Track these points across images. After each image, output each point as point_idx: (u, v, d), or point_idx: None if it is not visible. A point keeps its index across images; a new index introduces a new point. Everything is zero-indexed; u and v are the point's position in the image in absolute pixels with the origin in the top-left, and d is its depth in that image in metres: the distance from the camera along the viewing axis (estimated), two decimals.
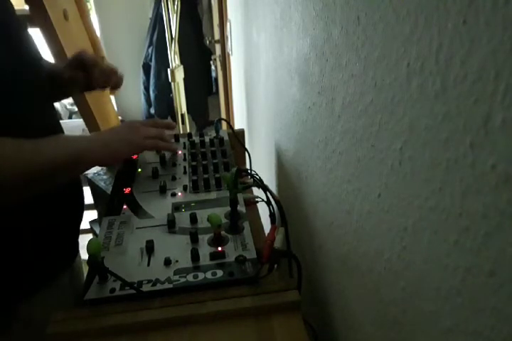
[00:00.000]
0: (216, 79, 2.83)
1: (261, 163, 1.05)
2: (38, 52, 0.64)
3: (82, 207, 0.71)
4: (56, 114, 0.69)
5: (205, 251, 0.50)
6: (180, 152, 0.75)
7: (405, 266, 0.29)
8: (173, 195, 0.63)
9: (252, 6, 0.98)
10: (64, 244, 0.66)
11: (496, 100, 0.18)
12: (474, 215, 0.21)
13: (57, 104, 2.93)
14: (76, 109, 2.87)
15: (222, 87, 2.29)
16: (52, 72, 0.70)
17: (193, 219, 0.56)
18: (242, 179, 0.67)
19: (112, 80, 0.75)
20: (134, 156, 0.75)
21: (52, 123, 0.65)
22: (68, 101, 2.95)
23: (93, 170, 1.89)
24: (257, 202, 0.64)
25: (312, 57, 0.47)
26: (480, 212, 0.20)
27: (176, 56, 2.12)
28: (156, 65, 2.77)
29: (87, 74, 0.71)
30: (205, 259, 0.48)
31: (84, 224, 1.92)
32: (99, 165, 0.63)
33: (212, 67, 2.89)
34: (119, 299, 0.44)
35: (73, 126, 1.92)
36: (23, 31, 0.59)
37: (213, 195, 0.63)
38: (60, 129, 0.66)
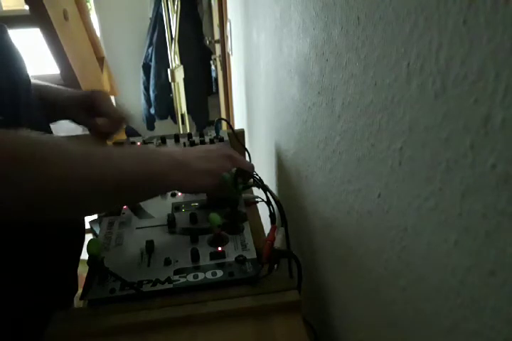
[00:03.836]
0: (216, 79, 2.83)
1: (261, 163, 1.05)
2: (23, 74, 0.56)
3: (81, 245, 0.65)
4: None
5: (205, 251, 0.50)
6: None
7: (405, 266, 0.29)
8: (173, 195, 0.63)
9: (252, 6, 0.98)
10: (61, 286, 0.60)
11: (496, 100, 0.18)
12: (474, 215, 0.21)
13: None
14: None
15: (222, 87, 2.29)
16: (50, 98, 0.64)
17: (193, 219, 0.56)
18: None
19: (118, 130, 0.69)
20: None
21: None
22: None
23: None
24: (257, 202, 0.64)
25: (312, 57, 0.47)
26: (480, 212, 0.20)
27: (176, 56, 2.12)
28: (156, 65, 2.77)
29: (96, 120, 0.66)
30: (205, 259, 0.48)
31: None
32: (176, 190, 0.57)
33: (212, 67, 2.89)
34: (119, 299, 0.44)
35: (73, 126, 1.92)
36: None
37: None
38: None
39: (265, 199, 0.59)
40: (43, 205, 0.39)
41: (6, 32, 0.54)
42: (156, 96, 2.86)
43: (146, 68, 2.86)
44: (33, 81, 0.62)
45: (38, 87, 0.65)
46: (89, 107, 0.66)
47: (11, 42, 0.55)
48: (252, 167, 0.61)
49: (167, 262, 0.48)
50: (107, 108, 0.66)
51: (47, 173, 0.38)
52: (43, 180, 0.37)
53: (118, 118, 0.68)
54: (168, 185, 0.50)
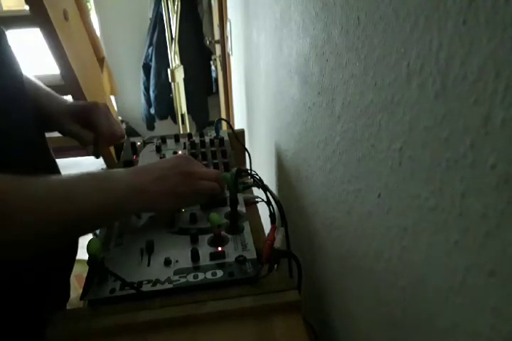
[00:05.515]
0: (216, 79, 2.83)
1: (261, 163, 1.05)
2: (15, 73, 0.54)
3: (74, 253, 0.65)
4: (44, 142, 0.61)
5: (205, 251, 0.50)
6: (180, 152, 0.75)
7: (405, 266, 0.29)
8: None
9: (252, 6, 0.98)
10: (54, 291, 0.60)
11: (496, 100, 0.18)
12: (474, 215, 0.21)
13: None
14: None
15: (222, 87, 2.29)
16: (44, 109, 0.61)
17: (193, 219, 0.56)
18: (242, 179, 0.67)
19: (108, 146, 0.68)
20: (134, 157, 0.75)
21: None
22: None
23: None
24: (257, 202, 0.64)
25: (312, 57, 0.47)
26: (480, 212, 0.20)
27: (176, 56, 2.12)
28: (156, 65, 2.77)
29: (92, 134, 0.63)
30: (205, 259, 0.48)
31: None
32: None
33: (212, 67, 2.89)
34: (119, 299, 0.44)
35: None
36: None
37: None
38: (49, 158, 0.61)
39: (265, 199, 0.58)
40: None
41: (3, 35, 0.52)
42: (156, 96, 2.85)
43: (146, 68, 2.86)
44: (32, 86, 0.60)
45: (38, 97, 0.62)
46: (84, 119, 0.63)
47: (7, 46, 0.53)
48: (217, 179, 0.56)
49: (167, 262, 0.48)
50: (101, 123, 0.63)
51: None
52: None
53: (110, 135, 0.65)
54: (126, 212, 0.51)
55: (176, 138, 0.79)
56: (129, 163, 0.72)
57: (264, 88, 0.89)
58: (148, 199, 0.49)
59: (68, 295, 0.65)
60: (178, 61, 2.16)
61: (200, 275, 0.46)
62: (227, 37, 1.83)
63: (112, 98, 2.55)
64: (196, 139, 0.78)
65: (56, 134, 0.64)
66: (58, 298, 0.62)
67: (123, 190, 0.47)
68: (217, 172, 0.58)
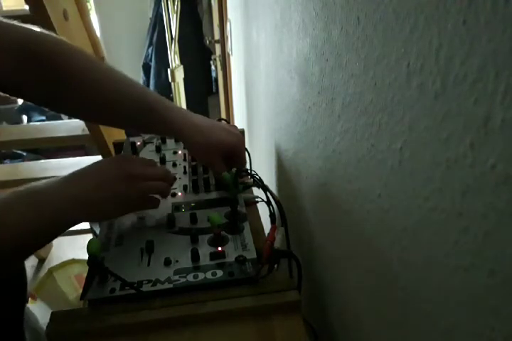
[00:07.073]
0: (216, 79, 2.83)
1: (261, 163, 1.05)
2: None
3: (24, 295, 0.60)
4: None
5: (205, 251, 0.50)
6: (180, 151, 0.75)
7: (405, 266, 0.29)
8: (173, 195, 0.63)
9: (252, 6, 0.98)
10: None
11: (496, 100, 0.18)
12: (474, 215, 0.21)
13: None
14: None
15: (222, 87, 2.29)
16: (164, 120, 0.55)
17: (193, 219, 0.56)
18: (242, 179, 0.67)
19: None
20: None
21: None
22: None
23: None
24: (257, 202, 0.64)
25: (312, 57, 0.47)
26: (480, 212, 0.20)
27: (176, 56, 2.12)
28: (156, 65, 2.77)
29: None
30: (205, 259, 0.48)
31: (85, 224, 1.90)
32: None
33: (212, 67, 2.89)
34: (119, 299, 0.44)
35: (73, 126, 1.93)
36: None
37: (213, 194, 0.63)
38: None
39: (265, 199, 0.58)
40: None
41: None
42: None
43: (146, 68, 2.86)
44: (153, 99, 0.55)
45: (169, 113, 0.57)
46: (225, 156, 0.58)
47: None
48: (165, 177, 0.52)
49: (167, 262, 0.48)
50: (243, 161, 0.60)
51: None
52: None
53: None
54: (68, 224, 0.46)
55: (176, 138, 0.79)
56: None
57: (264, 88, 0.89)
58: (88, 208, 0.46)
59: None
60: (178, 61, 2.16)
61: (200, 275, 0.46)
62: (227, 37, 1.82)
63: None
64: None
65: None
66: None
67: (56, 202, 0.44)
68: (164, 170, 0.54)
